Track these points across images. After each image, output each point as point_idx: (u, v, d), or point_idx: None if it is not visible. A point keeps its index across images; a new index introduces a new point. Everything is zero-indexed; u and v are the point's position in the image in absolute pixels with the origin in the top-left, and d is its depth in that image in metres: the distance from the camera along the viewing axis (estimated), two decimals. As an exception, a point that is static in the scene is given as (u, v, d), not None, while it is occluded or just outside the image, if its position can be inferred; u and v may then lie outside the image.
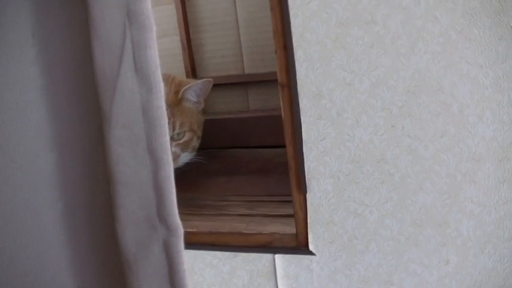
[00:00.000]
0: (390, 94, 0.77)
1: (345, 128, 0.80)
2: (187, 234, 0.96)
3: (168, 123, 1.10)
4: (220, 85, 1.45)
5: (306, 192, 0.85)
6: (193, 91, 1.13)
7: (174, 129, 1.11)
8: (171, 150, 1.11)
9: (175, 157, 1.12)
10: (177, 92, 1.12)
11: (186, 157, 1.16)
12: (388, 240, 0.83)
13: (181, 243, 0.69)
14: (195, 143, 1.18)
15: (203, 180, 1.21)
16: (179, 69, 1.45)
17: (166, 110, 1.08)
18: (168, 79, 1.16)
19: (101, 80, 0.68)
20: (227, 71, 1.45)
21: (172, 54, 1.46)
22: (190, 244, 0.95)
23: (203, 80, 1.16)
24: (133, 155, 0.68)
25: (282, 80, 0.83)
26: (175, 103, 1.11)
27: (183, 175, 1.17)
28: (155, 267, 0.71)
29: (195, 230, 0.95)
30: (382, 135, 0.79)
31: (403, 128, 0.77)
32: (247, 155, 1.34)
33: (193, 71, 1.45)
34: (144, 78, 0.65)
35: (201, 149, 1.22)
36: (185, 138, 1.13)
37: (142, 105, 0.66)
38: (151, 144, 0.68)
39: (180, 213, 1.05)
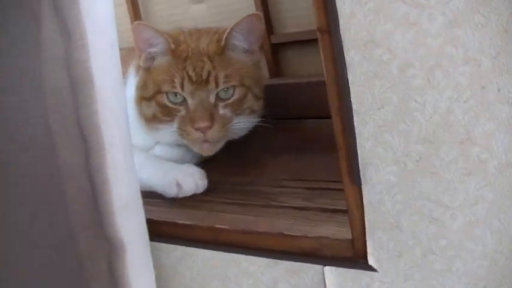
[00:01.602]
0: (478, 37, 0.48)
1: (411, 90, 0.53)
2: (216, 231, 0.76)
3: (209, 77, 0.86)
4: (302, 42, 1.21)
5: (360, 183, 0.60)
6: (238, 33, 0.88)
7: (217, 85, 0.87)
8: (219, 113, 0.87)
9: (226, 122, 0.88)
10: (219, 41, 0.88)
11: (242, 123, 0.91)
12: (479, 258, 0.55)
13: (124, 262, 0.49)
14: (252, 102, 0.92)
15: (263, 158, 0.99)
16: (253, 26, 1.22)
17: (206, 62, 0.85)
18: (210, 31, 0.93)
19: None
20: (310, 25, 1.19)
21: (244, 8, 1.23)
22: (220, 245, 0.74)
23: (246, 15, 0.89)
24: (66, 134, 0.49)
25: (320, 23, 0.58)
26: (216, 53, 0.88)
27: (238, 151, 0.95)
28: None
29: (226, 227, 0.73)
30: (467, 102, 0.51)
31: (498, 90, 0.49)
32: (327, 127, 1.08)
33: (269, 28, 1.22)
34: (64, 20, 0.45)
35: (273, 119, 0.99)
36: (236, 96, 0.89)
37: (65, 60, 0.46)
38: (79, 117, 0.48)
39: (220, 202, 0.84)
